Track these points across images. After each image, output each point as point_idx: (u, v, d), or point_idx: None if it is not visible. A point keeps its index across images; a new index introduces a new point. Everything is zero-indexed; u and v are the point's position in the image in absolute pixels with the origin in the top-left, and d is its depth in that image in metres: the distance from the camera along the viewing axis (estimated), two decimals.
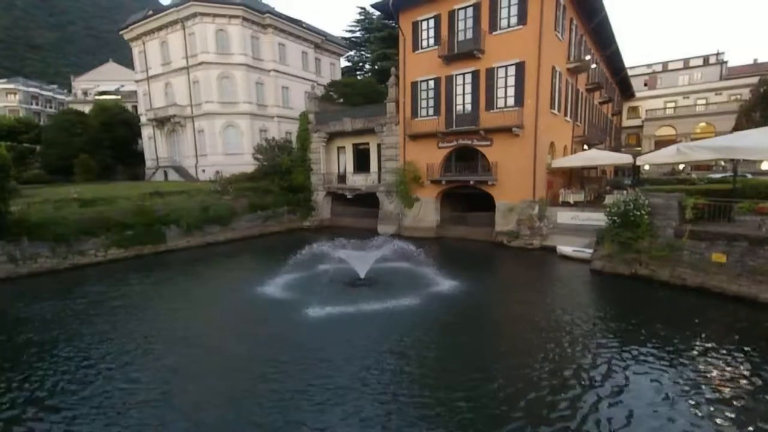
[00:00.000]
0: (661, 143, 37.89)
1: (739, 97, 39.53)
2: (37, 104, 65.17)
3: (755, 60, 51.47)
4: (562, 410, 6.18)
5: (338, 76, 42.36)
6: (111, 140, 38.20)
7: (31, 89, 65.15)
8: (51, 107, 66.78)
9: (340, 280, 12.90)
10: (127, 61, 52.28)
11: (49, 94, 68.42)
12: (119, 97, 51.75)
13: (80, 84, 57.95)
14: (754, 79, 34.33)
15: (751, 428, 5.69)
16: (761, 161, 16.81)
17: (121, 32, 38.62)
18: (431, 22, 20.65)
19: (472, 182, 20.18)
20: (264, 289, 12.40)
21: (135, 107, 45.47)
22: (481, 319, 10.22)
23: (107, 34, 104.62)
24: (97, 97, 51.23)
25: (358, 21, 43.75)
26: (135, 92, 43.01)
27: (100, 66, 62.67)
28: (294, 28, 36.54)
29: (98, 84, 56.64)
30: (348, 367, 7.48)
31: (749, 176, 22.41)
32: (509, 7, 18.21)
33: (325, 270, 13.92)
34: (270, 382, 7.11)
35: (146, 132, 38.85)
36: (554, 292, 12.91)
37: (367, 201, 25.14)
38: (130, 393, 6.86)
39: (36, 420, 6.23)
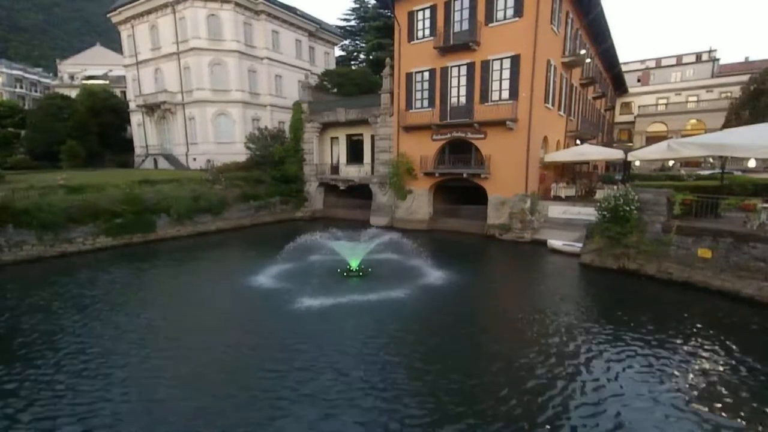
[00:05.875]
0: (652, 139, 38.30)
1: (729, 94, 39.99)
2: (21, 88, 63.42)
3: (746, 58, 52.07)
4: (549, 400, 6.28)
5: (332, 66, 41.84)
6: (99, 126, 37.43)
7: (15, 72, 63.28)
8: (36, 91, 65.06)
9: (331, 271, 12.88)
10: (115, 45, 51.00)
11: (34, 77, 66.56)
12: (107, 82, 50.51)
13: (66, 68, 56.39)
14: (745, 77, 34.71)
15: (732, 417, 5.87)
16: (748, 159, 17.10)
17: (108, 15, 37.59)
18: (427, 13, 20.42)
19: (465, 175, 20.20)
20: (254, 280, 12.33)
21: (124, 93, 44.50)
22: (471, 311, 10.31)
23: (94, 16, 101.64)
24: (84, 82, 49.92)
25: (353, 9, 43.17)
26: (123, 77, 42.02)
27: (87, 49, 61.04)
28: (288, 15, 35.89)
29: (85, 68, 55.17)
30: (336, 360, 7.45)
31: (736, 173, 22.82)
32: None
33: (317, 261, 13.94)
34: (255, 376, 6.98)
35: (135, 118, 38.10)
36: (543, 285, 13.07)
37: (360, 192, 25.07)
38: (108, 390, 6.60)
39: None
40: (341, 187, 25.74)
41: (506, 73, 18.50)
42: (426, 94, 21.05)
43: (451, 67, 19.94)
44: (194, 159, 33.05)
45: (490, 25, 18.55)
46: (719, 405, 6.16)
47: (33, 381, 6.89)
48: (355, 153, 26.00)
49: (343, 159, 26.59)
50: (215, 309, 10.55)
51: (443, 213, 22.34)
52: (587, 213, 16.15)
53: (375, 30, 38.43)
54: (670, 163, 30.30)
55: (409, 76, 21.47)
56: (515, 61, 18.12)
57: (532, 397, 6.38)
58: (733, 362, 7.42)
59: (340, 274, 12.63)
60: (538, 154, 19.59)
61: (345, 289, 11.37)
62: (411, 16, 20.99)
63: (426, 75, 20.86)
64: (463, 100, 19.87)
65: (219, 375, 7.14)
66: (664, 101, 46.00)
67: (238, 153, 30.32)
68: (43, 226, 15.45)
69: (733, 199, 12.60)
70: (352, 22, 43.75)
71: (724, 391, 6.52)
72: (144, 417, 5.95)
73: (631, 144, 43.21)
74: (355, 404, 6.14)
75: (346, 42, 45.26)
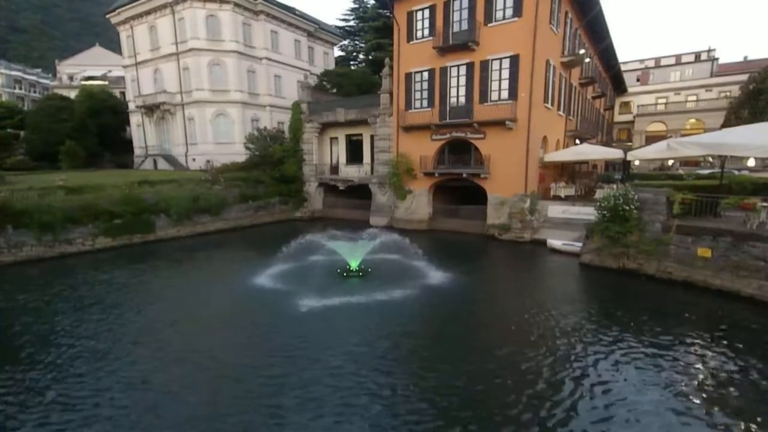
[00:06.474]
0: (651, 139, 38.32)
1: (728, 94, 40.03)
2: (20, 89, 63.30)
3: (745, 57, 52.08)
4: (550, 400, 6.27)
5: (331, 66, 41.84)
6: (98, 127, 37.41)
7: (14, 73, 63.18)
8: (35, 92, 64.97)
9: (331, 271, 12.86)
10: (115, 46, 50.98)
11: (33, 78, 66.49)
12: (106, 82, 50.49)
13: (65, 68, 56.31)
14: (744, 77, 34.73)
15: (734, 417, 5.86)
16: (748, 158, 17.10)
17: (107, 16, 37.59)
18: (426, 13, 20.41)
19: (464, 175, 20.19)
20: (254, 281, 12.31)
21: (123, 93, 44.47)
22: (470, 312, 10.30)
23: (93, 17, 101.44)
24: (83, 83, 49.89)
25: (352, 10, 43.13)
26: (123, 78, 42.02)
27: (86, 50, 60.92)
28: (287, 16, 35.90)
29: (84, 69, 55.10)
30: (336, 364, 7.34)
31: (736, 173, 22.83)
32: None
33: (316, 261, 13.92)
34: (254, 381, 6.85)
35: (135, 119, 38.09)
36: (543, 284, 13.08)
37: (360, 192, 25.05)
38: (104, 394, 6.52)
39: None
40: (341, 188, 25.72)
41: (505, 73, 18.50)
42: (425, 94, 21.03)
43: (451, 67, 19.93)
44: (193, 159, 33.03)
45: (489, 25, 18.55)
46: (722, 406, 6.14)
47: (28, 384, 6.83)
48: (354, 153, 25.99)
49: (342, 159, 26.57)
50: (214, 310, 10.50)
51: (443, 213, 22.33)
52: (587, 212, 16.14)
53: (374, 30, 38.39)
54: (670, 162, 30.32)
55: (408, 76, 21.46)
56: (514, 61, 18.12)
57: (533, 396, 6.36)
58: (736, 362, 7.40)
59: (340, 275, 12.62)
60: (538, 153, 19.59)
61: (345, 290, 11.35)
62: (410, 16, 20.98)
63: (425, 75, 20.85)
64: (462, 100, 19.86)
65: (217, 378, 7.05)
66: (664, 101, 46.03)
67: (238, 153, 30.31)
68: (42, 227, 15.43)
69: (733, 199, 12.57)
70: (352, 23, 43.72)
71: (726, 392, 6.51)
72: (140, 422, 5.86)
73: (630, 143, 43.23)
74: (356, 411, 6.02)
75: (346, 42, 45.24)
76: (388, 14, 29.46)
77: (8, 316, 9.96)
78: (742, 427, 5.67)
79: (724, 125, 28.31)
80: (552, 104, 20.79)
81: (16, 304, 10.78)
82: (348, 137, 26.09)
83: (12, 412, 6.12)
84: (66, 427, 5.80)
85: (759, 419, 5.81)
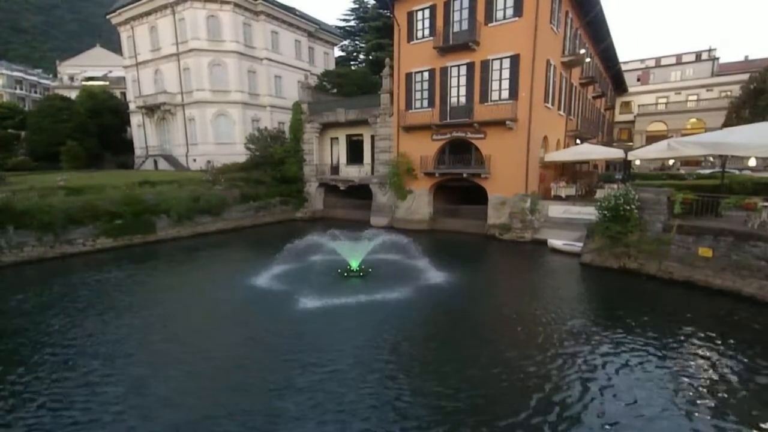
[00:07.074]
0: (652, 138, 38.25)
1: (729, 93, 39.94)
2: (21, 89, 63.50)
3: (746, 57, 51.96)
4: (557, 404, 6.22)
5: (332, 66, 41.88)
6: (99, 127, 37.47)
7: (15, 73, 63.38)
8: (36, 92, 65.15)
9: (332, 271, 12.86)
10: (115, 46, 51.05)
11: (34, 78, 66.69)
12: (107, 83, 50.57)
13: (66, 69, 56.39)
14: (745, 76, 34.66)
15: (739, 419, 5.83)
16: (749, 157, 17.13)
17: (108, 16, 37.66)
18: (426, 13, 20.41)
19: (465, 175, 20.19)
20: (254, 281, 12.30)
21: (123, 94, 44.55)
22: (472, 312, 10.28)
23: (94, 17, 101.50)
24: (84, 83, 49.95)
25: (352, 10, 43.14)
26: (123, 78, 42.08)
27: (87, 51, 61.03)
28: (287, 16, 35.93)
29: (85, 69, 55.20)
30: (336, 368, 7.25)
31: (737, 172, 22.80)
32: None
33: (317, 261, 13.92)
34: (252, 386, 6.73)
35: (135, 119, 38.14)
36: (544, 284, 13.05)
37: (360, 193, 25.06)
38: (98, 398, 6.40)
39: None
40: (341, 188, 25.73)
41: (506, 73, 18.49)
42: (426, 94, 21.03)
43: (451, 67, 19.92)
44: (194, 160, 33.07)
45: (490, 24, 18.55)
46: (725, 407, 6.12)
47: (19, 386, 6.75)
48: (355, 153, 25.99)
49: (343, 159, 26.58)
50: (214, 312, 10.49)
51: (443, 213, 22.32)
52: (587, 212, 16.13)
53: (374, 30, 38.40)
54: (670, 162, 30.31)
55: (408, 76, 21.46)
56: (515, 60, 18.11)
57: (532, 395, 6.33)
58: (738, 363, 7.36)
59: (341, 275, 12.62)
60: (538, 153, 19.58)
61: (345, 290, 11.35)
62: (410, 16, 20.98)
63: (425, 75, 20.85)
64: (462, 100, 19.85)
65: (216, 382, 6.93)
66: (664, 100, 45.95)
67: (238, 154, 30.34)
68: (43, 227, 15.43)
69: (734, 198, 12.56)
70: (352, 23, 43.73)
71: (729, 393, 6.48)
72: (135, 429, 5.75)
73: (631, 143, 43.16)
74: (357, 417, 5.92)
75: (346, 42, 45.26)
76: (388, 14, 29.47)
77: (6, 317, 9.94)
78: (746, 429, 5.63)
79: (724, 125, 28.27)
80: (552, 104, 20.78)
81: (14, 304, 10.77)
82: (348, 137, 26.10)
83: (1, 414, 6.03)
84: None
85: (764, 421, 5.78)
